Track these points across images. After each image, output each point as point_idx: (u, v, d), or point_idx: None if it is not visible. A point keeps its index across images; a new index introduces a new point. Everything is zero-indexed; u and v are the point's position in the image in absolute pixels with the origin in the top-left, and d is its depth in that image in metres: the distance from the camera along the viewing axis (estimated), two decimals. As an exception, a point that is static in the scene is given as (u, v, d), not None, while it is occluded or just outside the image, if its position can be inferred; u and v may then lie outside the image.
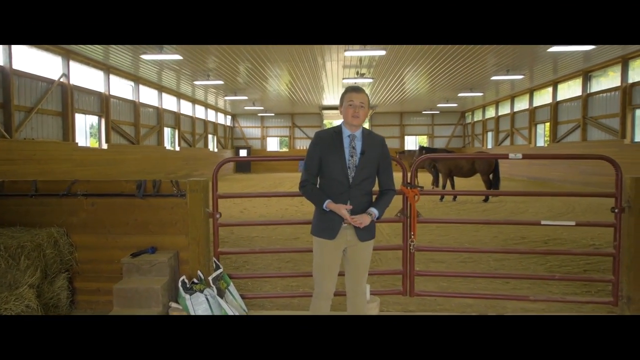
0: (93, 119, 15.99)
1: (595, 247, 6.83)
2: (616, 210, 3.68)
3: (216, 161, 29.04)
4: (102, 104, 15.94)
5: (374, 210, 2.77)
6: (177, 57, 13.81)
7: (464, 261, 6.06)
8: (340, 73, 17.87)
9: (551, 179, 19.68)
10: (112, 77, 16.52)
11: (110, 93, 16.33)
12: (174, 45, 12.97)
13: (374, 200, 2.91)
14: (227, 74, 17.49)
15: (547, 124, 20.76)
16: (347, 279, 2.92)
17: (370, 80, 18.55)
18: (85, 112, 15.10)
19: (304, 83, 20.21)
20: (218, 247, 3.93)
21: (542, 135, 21.69)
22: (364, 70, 17.35)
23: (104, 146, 15.98)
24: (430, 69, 16.91)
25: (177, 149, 23.22)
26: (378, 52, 12.96)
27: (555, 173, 19.43)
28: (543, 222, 3.75)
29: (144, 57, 13.64)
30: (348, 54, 13.27)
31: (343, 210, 2.67)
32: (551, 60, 15.91)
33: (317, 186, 2.89)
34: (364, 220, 2.69)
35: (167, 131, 22.27)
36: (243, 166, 33.20)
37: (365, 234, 2.80)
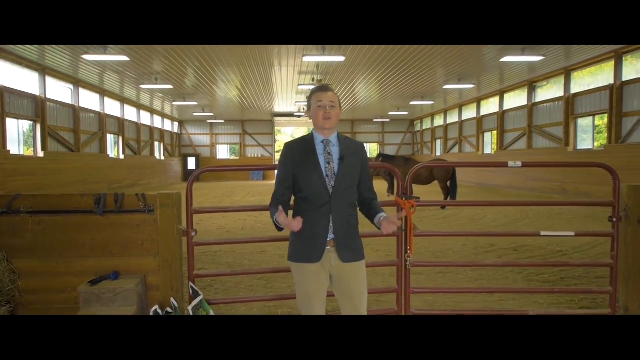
0: (27, 125, 14.62)
1: (563, 253, 6.91)
2: (614, 220, 3.59)
3: (163, 170, 27.76)
4: (37, 108, 14.63)
5: (383, 215, 2.42)
6: (123, 58, 12.90)
7: (442, 272, 5.89)
8: (296, 79, 17.57)
9: (498, 185, 20.39)
10: (49, 79, 15.25)
11: (47, 96, 15.04)
12: (120, 45, 12.08)
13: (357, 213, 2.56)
14: (176, 77, 16.65)
15: (495, 132, 21.56)
16: (343, 312, 2.49)
17: (326, 87, 18.38)
18: (17, 117, 13.76)
19: (256, 88, 19.71)
20: (194, 270, 3.43)
21: (489, 143, 22.49)
22: (320, 77, 17.16)
23: (40, 154, 14.65)
24: (385, 76, 16.99)
25: (122, 157, 21.88)
26: (337, 57, 12.77)
27: (502, 180, 20.15)
28: (542, 234, 3.60)
29: (86, 57, 12.61)
30: (307, 59, 12.97)
31: (293, 223, 2.22)
32: (498, 71, 16.50)
33: (294, 204, 2.52)
34: (395, 223, 2.30)
35: (110, 138, 20.93)
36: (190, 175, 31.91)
37: (350, 253, 2.42)
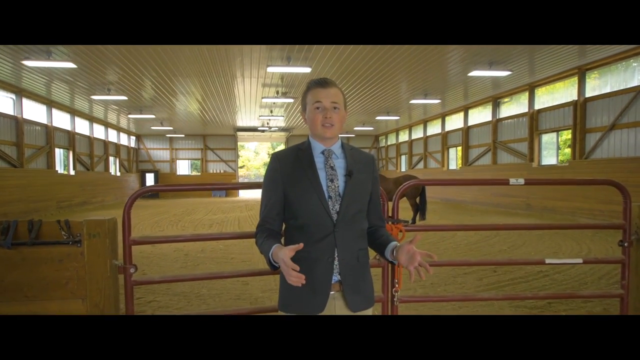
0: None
1: (544, 274, 6.59)
2: (625, 244, 3.16)
3: (119, 186, 26.36)
4: (-27, 119, 13.34)
5: (396, 243, 1.85)
6: (69, 65, 11.86)
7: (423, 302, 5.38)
8: (259, 92, 16.97)
9: (464, 201, 20.39)
10: (-13, 88, 13.98)
11: (-16, 106, 13.75)
12: (65, 50, 11.02)
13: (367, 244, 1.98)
14: (131, 88, 15.66)
15: (459, 148, 21.64)
16: None
17: (292, 100, 17.87)
18: (-51, 129, 12.45)
19: (217, 101, 18.96)
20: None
21: (454, 158, 22.56)
22: (285, 90, 16.64)
23: (-25, 170, 13.32)
24: (351, 90, 16.66)
25: (72, 172, 20.46)
26: (303, 68, 12.29)
27: (467, 195, 20.16)
28: (547, 261, 3.13)
29: (27, 63, 11.52)
30: (271, 69, 12.41)
31: (293, 275, 1.58)
32: (463, 86, 16.51)
33: (285, 236, 1.94)
34: (414, 257, 1.70)
35: (59, 152, 19.53)
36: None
37: (360, 300, 1.86)
